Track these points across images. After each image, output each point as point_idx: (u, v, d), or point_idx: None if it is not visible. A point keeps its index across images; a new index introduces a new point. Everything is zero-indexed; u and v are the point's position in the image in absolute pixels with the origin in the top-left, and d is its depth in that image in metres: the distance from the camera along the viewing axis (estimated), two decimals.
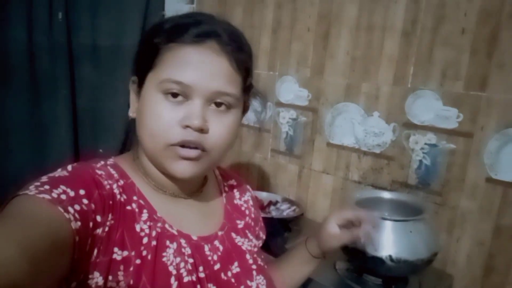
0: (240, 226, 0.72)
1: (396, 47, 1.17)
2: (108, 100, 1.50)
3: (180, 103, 0.55)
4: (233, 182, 0.78)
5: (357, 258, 0.94)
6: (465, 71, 1.05)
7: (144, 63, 0.57)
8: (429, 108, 1.12)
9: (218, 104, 0.57)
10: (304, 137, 1.41)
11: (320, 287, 0.94)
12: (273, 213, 1.32)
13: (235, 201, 0.75)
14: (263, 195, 1.42)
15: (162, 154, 0.56)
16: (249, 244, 0.71)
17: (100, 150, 1.46)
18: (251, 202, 0.79)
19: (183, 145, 0.55)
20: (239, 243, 0.68)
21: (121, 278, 0.51)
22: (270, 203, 1.39)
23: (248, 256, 0.67)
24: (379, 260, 0.90)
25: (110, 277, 0.51)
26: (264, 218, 1.21)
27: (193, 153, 0.56)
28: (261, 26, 1.48)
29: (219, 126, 0.57)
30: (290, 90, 1.41)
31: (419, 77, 1.13)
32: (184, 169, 0.57)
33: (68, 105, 1.33)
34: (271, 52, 1.47)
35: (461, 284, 1.07)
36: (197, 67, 0.54)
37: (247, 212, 0.76)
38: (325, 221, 0.77)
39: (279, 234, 1.17)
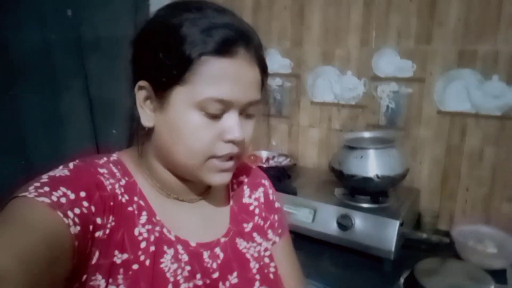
0: (247, 229, 0.68)
1: (360, 16, 1.44)
2: (114, 87, 1.66)
3: (218, 117, 0.54)
4: (243, 178, 0.73)
5: (351, 180, 1.23)
6: (414, 30, 1.35)
7: (168, 74, 0.52)
8: (390, 62, 1.41)
9: (248, 115, 0.58)
10: (290, 99, 1.67)
11: (326, 207, 1.23)
12: (273, 165, 1.59)
13: (244, 200, 0.71)
14: (263, 153, 1.68)
15: (201, 167, 0.56)
16: (256, 249, 0.67)
17: (114, 131, 1.63)
18: (262, 200, 0.73)
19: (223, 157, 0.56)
20: (244, 250, 0.65)
21: (120, 281, 0.51)
22: (269, 158, 1.66)
23: (252, 265, 0.64)
24: (369, 179, 1.19)
25: (110, 280, 0.51)
26: (270, 167, 1.49)
27: (230, 164, 0.57)
28: (241, 7, 1.70)
29: (248, 132, 0.58)
30: (274, 61, 1.66)
31: (380, 39, 1.42)
32: (221, 179, 0.58)
33: (84, 95, 1.49)
34: None
35: (426, 193, 1.41)
36: (235, 81, 0.53)
37: (256, 211, 0.71)
38: None
39: (284, 177, 1.45)
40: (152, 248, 0.55)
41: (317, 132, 1.63)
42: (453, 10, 1.27)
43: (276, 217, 0.74)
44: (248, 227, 0.68)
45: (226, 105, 0.53)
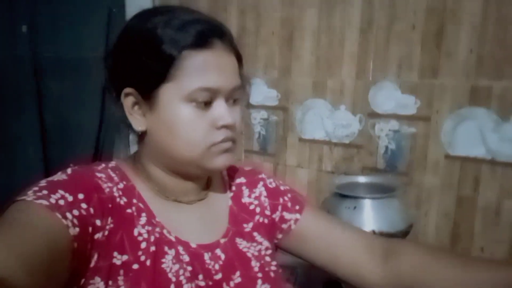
0: (247, 229, 0.68)
1: (355, 45, 1.28)
2: (75, 114, 1.48)
3: (208, 107, 0.57)
4: (241, 180, 0.74)
5: None
6: (418, 62, 1.18)
7: (153, 74, 0.56)
8: (390, 97, 1.23)
9: (234, 101, 0.62)
10: (276, 135, 1.48)
11: (310, 271, 1.00)
12: None
13: (243, 200, 0.72)
14: None
15: (203, 156, 0.58)
16: (257, 249, 0.67)
17: (71, 165, 1.43)
18: (264, 194, 0.73)
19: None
20: (244, 250, 0.65)
21: (121, 283, 0.52)
22: None
23: (253, 263, 0.65)
24: None
25: (110, 282, 0.51)
26: None
27: (229, 144, 0.60)
28: None
29: (237, 118, 0.61)
30: (259, 91, 1.48)
31: (379, 71, 1.24)
32: (224, 161, 0.60)
33: (36, 121, 1.30)
34: None
35: None
36: (218, 69, 0.57)
37: (257, 210, 0.71)
38: None
39: None
40: (153, 248, 0.55)
41: (306, 173, 1.42)
42: (464, 40, 1.10)
43: (286, 198, 0.74)
44: (248, 227, 0.69)
45: (213, 93, 0.57)
